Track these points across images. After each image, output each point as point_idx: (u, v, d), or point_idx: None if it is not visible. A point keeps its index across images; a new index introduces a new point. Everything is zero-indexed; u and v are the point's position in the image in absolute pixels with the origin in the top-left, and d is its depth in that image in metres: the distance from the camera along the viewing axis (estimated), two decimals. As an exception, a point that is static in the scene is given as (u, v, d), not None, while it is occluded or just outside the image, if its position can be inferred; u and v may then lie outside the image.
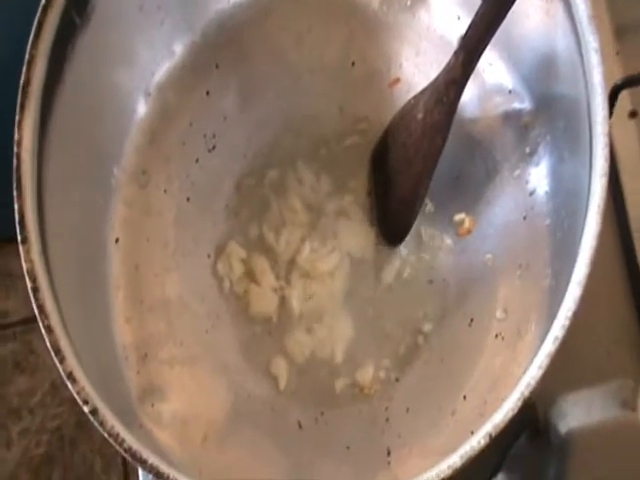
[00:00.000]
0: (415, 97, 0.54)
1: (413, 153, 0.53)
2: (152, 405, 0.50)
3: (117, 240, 0.55)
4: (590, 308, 0.53)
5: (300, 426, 0.53)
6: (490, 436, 0.37)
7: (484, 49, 0.48)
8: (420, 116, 0.52)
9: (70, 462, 0.82)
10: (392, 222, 0.57)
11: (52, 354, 0.42)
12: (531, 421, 0.52)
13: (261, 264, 0.58)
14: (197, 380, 0.53)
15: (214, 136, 0.60)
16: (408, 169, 0.54)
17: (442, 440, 0.47)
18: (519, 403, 0.37)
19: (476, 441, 0.37)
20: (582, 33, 0.44)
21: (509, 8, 0.46)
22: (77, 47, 0.50)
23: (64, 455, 0.83)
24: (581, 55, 0.44)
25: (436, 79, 0.51)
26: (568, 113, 0.48)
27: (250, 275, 0.58)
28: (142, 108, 0.58)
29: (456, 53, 0.49)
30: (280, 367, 0.55)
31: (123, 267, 0.55)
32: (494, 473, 0.50)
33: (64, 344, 0.42)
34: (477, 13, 0.47)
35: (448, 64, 0.50)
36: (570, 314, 0.39)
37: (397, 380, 0.54)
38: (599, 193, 0.41)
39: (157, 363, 0.53)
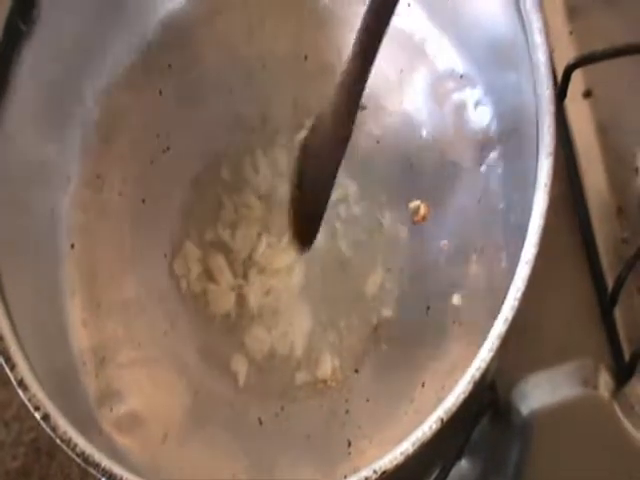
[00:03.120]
0: None
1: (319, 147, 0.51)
2: (111, 409, 0.50)
3: (72, 245, 0.55)
4: (549, 289, 0.54)
5: (260, 422, 0.52)
6: (441, 420, 0.37)
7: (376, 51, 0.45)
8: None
9: (47, 473, 0.82)
10: (303, 219, 0.54)
11: (2, 362, 0.41)
12: (492, 404, 0.52)
13: (218, 263, 0.57)
14: (156, 381, 0.53)
15: (168, 136, 0.59)
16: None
17: (401, 429, 0.47)
18: (470, 386, 0.37)
19: (427, 426, 0.37)
20: (526, 13, 0.44)
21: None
22: (24, 53, 0.50)
23: (41, 467, 0.83)
24: (526, 36, 0.44)
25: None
26: (517, 95, 0.48)
27: (207, 274, 0.57)
28: (95, 111, 0.58)
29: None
30: (239, 364, 0.55)
31: (79, 271, 0.54)
32: (457, 457, 0.49)
33: (14, 351, 0.42)
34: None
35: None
36: (519, 295, 0.39)
37: (356, 371, 0.54)
38: (546, 172, 0.41)
39: (115, 366, 0.52)
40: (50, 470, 0.82)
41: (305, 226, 0.53)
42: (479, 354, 0.38)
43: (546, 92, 0.42)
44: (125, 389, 0.52)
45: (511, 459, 0.51)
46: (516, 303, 0.38)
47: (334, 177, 0.50)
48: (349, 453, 0.49)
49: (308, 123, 0.59)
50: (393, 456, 0.37)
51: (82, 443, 0.40)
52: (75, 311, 0.53)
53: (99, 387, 0.51)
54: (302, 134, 0.59)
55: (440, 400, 0.39)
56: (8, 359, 0.41)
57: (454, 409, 0.37)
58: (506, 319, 0.38)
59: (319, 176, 0.50)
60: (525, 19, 0.44)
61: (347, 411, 0.52)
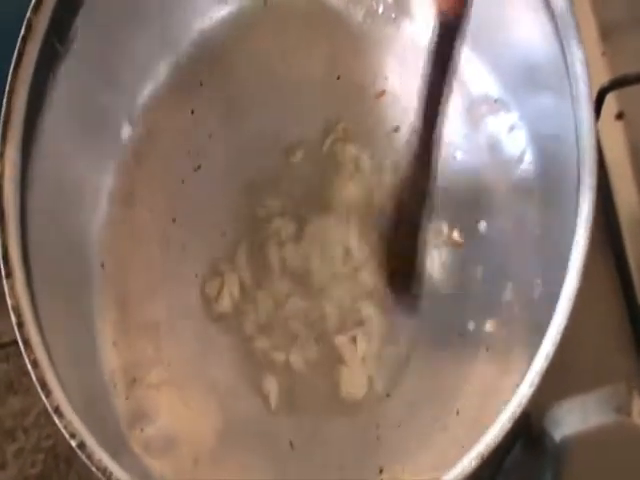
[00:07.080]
0: None
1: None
2: (142, 430, 0.50)
3: (102, 265, 0.55)
4: (582, 314, 0.53)
5: (292, 446, 0.52)
6: (482, 457, 0.37)
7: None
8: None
9: (66, 480, 0.82)
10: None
11: (38, 388, 0.41)
12: (525, 430, 0.52)
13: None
14: (187, 402, 0.53)
15: (199, 155, 0.59)
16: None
17: (433, 456, 0.47)
18: (509, 424, 0.37)
19: (468, 462, 0.37)
20: (567, 44, 0.44)
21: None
22: (59, 74, 0.51)
23: (59, 473, 0.83)
24: (566, 65, 0.44)
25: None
26: (553, 119, 0.48)
27: (240, 295, 0.57)
28: (127, 130, 0.59)
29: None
30: (271, 386, 0.54)
31: (109, 291, 0.55)
32: (489, 485, 0.49)
33: (50, 378, 0.42)
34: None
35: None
36: (562, 329, 0.38)
37: (388, 395, 0.53)
38: (587, 209, 0.40)
39: (146, 387, 0.52)
40: (69, 477, 0.82)
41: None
42: (520, 390, 0.38)
43: (587, 123, 0.42)
44: (156, 410, 0.52)
45: (544, 486, 0.50)
46: (558, 338, 0.38)
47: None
48: (381, 479, 0.49)
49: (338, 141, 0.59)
50: (433, 492, 0.37)
51: (117, 471, 0.40)
52: (105, 331, 0.54)
53: (130, 408, 0.51)
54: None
55: (473, 429, 0.39)
56: (44, 386, 0.42)
57: (494, 444, 0.37)
58: (547, 355, 0.38)
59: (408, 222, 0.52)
60: (566, 50, 0.44)
61: (378, 437, 0.52)
